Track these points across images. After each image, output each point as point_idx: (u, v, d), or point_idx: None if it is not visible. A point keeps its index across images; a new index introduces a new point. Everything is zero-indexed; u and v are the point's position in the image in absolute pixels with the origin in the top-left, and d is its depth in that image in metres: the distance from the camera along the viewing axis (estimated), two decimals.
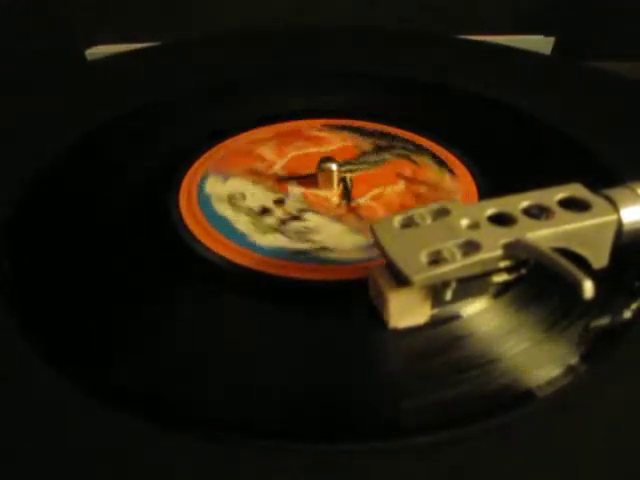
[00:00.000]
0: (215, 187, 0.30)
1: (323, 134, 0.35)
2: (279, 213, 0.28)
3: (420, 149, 0.34)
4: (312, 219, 0.28)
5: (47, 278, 0.25)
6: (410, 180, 0.31)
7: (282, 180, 0.30)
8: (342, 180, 0.30)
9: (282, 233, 0.27)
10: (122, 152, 0.34)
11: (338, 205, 0.29)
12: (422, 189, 0.30)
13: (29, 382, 0.21)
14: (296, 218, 0.28)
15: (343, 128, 0.35)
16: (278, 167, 0.31)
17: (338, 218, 0.28)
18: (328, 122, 0.36)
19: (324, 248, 0.26)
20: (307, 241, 0.26)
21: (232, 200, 0.29)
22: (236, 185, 0.30)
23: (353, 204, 0.29)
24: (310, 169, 0.30)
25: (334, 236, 0.27)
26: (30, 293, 0.25)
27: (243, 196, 0.29)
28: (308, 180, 0.30)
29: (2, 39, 0.59)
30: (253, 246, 0.26)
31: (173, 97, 0.40)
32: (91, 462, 0.18)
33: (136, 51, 0.49)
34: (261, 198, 0.29)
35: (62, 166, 0.33)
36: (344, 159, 0.31)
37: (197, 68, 0.45)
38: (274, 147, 0.33)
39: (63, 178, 0.32)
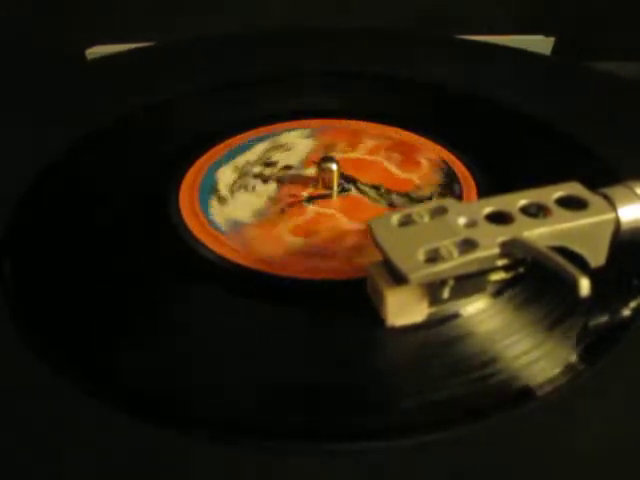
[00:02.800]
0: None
1: (424, 161, 0.33)
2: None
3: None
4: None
5: (47, 278, 0.25)
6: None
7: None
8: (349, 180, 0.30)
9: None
10: (122, 152, 0.35)
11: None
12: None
13: (29, 382, 0.21)
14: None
15: (446, 170, 0.33)
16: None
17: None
18: (444, 155, 0.34)
19: None
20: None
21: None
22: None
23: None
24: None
25: None
26: (30, 293, 0.25)
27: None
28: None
29: (2, 39, 0.59)
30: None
31: (173, 97, 0.40)
32: (91, 462, 0.18)
33: (136, 51, 0.49)
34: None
35: (62, 166, 0.33)
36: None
37: (197, 68, 0.45)
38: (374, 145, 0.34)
39: (63, 178, 0.32)
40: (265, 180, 0.31)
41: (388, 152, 0.33)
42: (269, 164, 0.32)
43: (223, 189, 0.30)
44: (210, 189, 0.30)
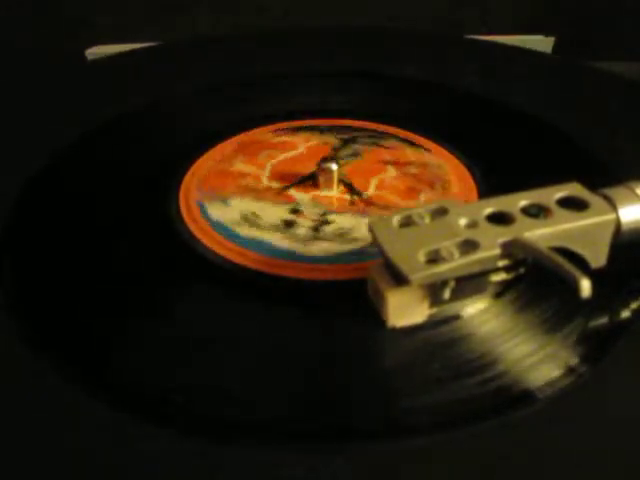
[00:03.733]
0: (222, 212, 0.28)
1: (284, 139, 0.34)
2: (304, 222, 0.27)
3: (384, 135, 0.34)
4: (339, 220, 0.27)
5: (46, 278, 0.25)
6: (396, 163, 0.31)
7: (282, 190, 0.30)
8: (341, 180, 0.30)
9: (324, 239, 0.26)
10: (122, 152, 0.35)
11: (352, 202, 0.29)
12: (413, 169, 0.30)
13: (29, 382, 0.21)
14: (324, 222, 0.27)
15: (299, 129, 0.35)
16: (265, 178, 0.31)
17: (363, 213, 0.28)
18: (279, 126, 0.36)
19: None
20: (353, 240, 0.26)
21: (249, 221, 0.27)
22: (241, 206, 0.29)
23: (365, 197, 0.29)
24: (298, 172, 0.30)
25: None
26: (29, 293, 0.25)
27: (256, 215, 0.28)
28: (306, 183, 0.30)
29: (2, 39, 0.59)
30: (304, 258, 0.25)
31: (173, 97, 0.40)
32: (91, 462, 0.18)
33: (136, 51, 0.49)
34: (275, 212, 0.28)
35: (62, 166, 0.33)
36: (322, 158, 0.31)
37: (197, 68, 0.45)
38: (247, 161, 0.32)
39: (63, 178, 0.32)
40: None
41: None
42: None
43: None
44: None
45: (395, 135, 0.34)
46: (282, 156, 0.32)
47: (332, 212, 0.28)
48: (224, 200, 0.29)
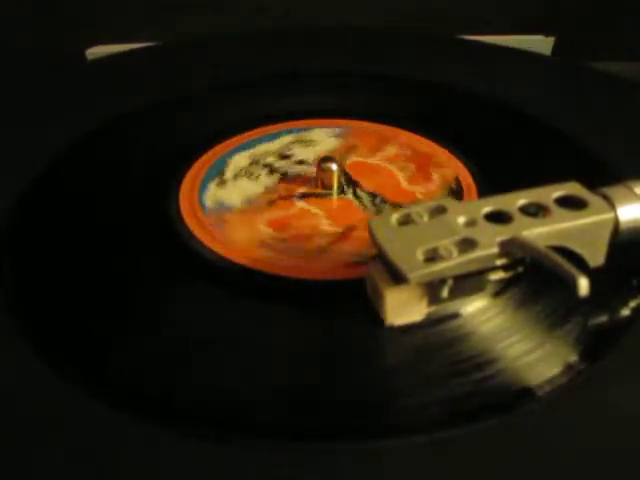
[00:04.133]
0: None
1: (436, 176, 0.32)
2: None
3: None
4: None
5: (46, 278, 0.25)
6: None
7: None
8: (346, 183, 0.30)
9: None
10: (122, 152, 0.35)
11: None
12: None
13: (28, 382, 0.21)
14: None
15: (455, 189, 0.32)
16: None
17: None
18: (461, 173, 0.33)
19: None
20: None
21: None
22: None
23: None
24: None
25: None
26: (30, 293, 0.25)
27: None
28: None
29: (2, 39, 0.59)
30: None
31: (173, 97, 0.40)
32: (91, 462, 0.18)
33: (136, 51, 0.49)
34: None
35: (62, 166, 0.33)
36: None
37: (197, 68, 0.45)
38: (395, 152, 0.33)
39: (63, 178, 0.32)
40: (272, 171, 0.31)
41: (405, 162, 0.32)
42: (285, 157, 0.32)
43: (228, 173, 0.30)
44: (217, 172, 0.31)
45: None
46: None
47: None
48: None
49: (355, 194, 0.30)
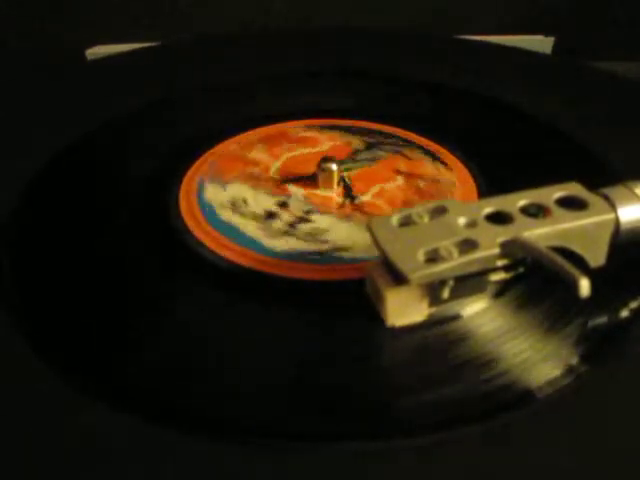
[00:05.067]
0: (216, 195, 0.29)
1: (310, 134, 0.35)
2: (285, 216, 0.28)
3: (411, 144, 0.34)
4: (319, 220, 0.28)
5: (47, 278, 0.25)
6: (407, 175, 0.31)
7: (281, 183, 0.30)
8: (342, 179, 0.30)
9: (293, 236, 0.26)
10: (122, 152, 0.35)
11: (342, 204, 0.29)
12: (421, 183, 0.30)
13: (28, 382, 0.21)
14: (303, 220, 0.28)
15: (330, 128, 0.35)
16: (274, 169, 0.31)
17: (346, 217, 0.28)
18: (312, 122, 0.36)
19: (339, 248, 0.26)
20: (320, 242, 0.26)
21: (235, 206, 0.28)
22: (236, 191, 0.30)
23: (357, 202, 0.29)
24: (307, 170, 0.30)
25: (345, 235, 0.27)
26: (29, 293, 0.25)
27: (245, 202, 0.29)
28: (307, 181, 0.30)
29: (2, 39, 0.59)
30: (264, 250, 0.26)
31: (173, 97, 0.40)
32: (91, 462, 0.18)
33: (136, 51, 0.49)
34: (263, 202, 0.29)
35: (62, 166, 0.33)
36: (339, 158, 0.31)
37: (197, 68, 0.45)
38: (265, 150, 0.33)
39: (63, 178, 0.32)
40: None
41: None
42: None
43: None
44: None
45: (421, 146, 0.34)
46: (300, 151, 0.33)
47: (317, 212, 0.28)
48: (223, 184, 0.30)
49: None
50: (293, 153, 0.33)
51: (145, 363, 0.21)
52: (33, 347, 0.22)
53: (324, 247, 0.26)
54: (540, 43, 0.60)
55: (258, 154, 0.33)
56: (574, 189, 0.23)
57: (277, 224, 0.27)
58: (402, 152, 0.33)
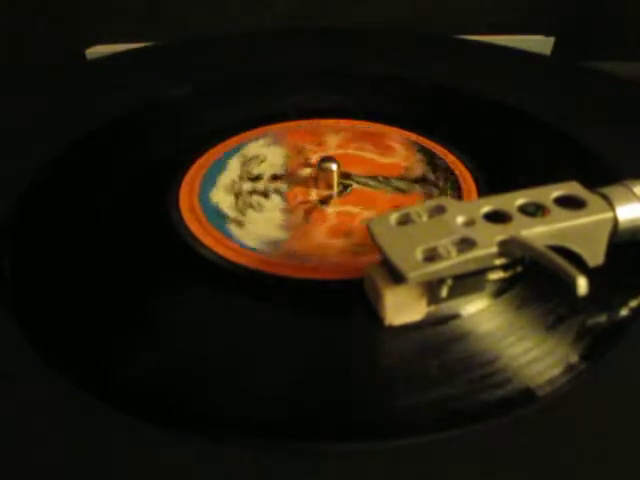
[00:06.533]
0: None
1: (396, 145, 0.34)
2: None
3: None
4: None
5: (47, 278, 0.25)
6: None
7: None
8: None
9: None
10: (122, 152, 0.35)
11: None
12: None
13: (29, 382, 0.21)
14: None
15: (420, 148, 0.33)
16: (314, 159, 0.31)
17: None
18: (412, 136, 0.35)
19: None
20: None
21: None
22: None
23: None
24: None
25: None
26: (29, 292, 0.25)
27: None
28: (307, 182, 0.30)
29: (2, 39, 0.59)
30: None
31: (173, 97, 0.40)
32: (91, 462, 0.18)
33: (136, 51, 0.49)
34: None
35: (62, 166, 0.33)
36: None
37: (197, 68, 0.45)
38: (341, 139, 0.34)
39: (63, 178, 0.32)
40: (265, 195, 0.30)
41: (358, 143, 0.33)
42: (255, 179, 0.31)
43: (232, 213, 0.28)
44: (219, 215, 0.28)
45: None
46: (367, 155, 0.33)
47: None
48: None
49: (359, 183, 0.30)
50: (357, 152, 0.33)
51: (145, 363, 0.22)
52: (33, 347, 0.22)
53: None
54: (540, 43, 0.60)
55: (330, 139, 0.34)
56: (573, 188, 0.23)
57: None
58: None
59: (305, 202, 0.29)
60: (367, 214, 0.28)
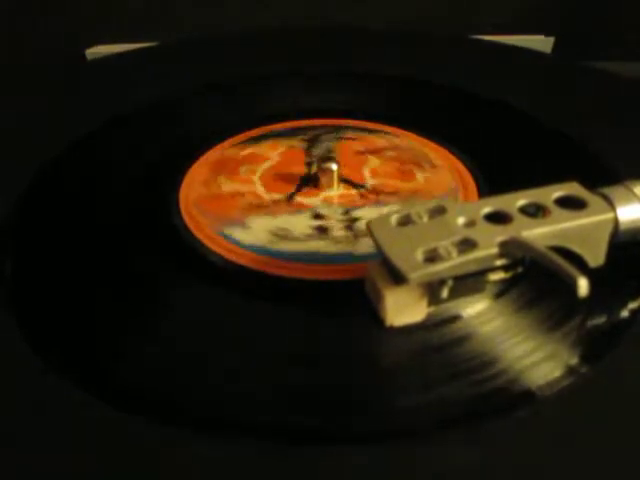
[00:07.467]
0: (248, 235, 0.26)
1: (249, 151, 0.33)
2: (335, 224, 0.27)
3: (341, 128, 0.34)
4: (363, 214, 0.27)
5: (47, 278, 0.25)
6: (373, 152, 0.31)
7: (288, 199, 0.29)
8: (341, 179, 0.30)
9: (364, 235, 0.25)
10: (122, 152, 0.35)
11: (361, 195, 0.29)
12: (390, 153, 0.31)
13: (28, 382, 0.21)
14: (353, 220, 0.27)
15: (258, 139, 0.34)
16: (263, 193, 0.29)
17: (379, 202, 0.28)
18: (234, 140, 0.34)
19: None
20: None
21: (281, 236, 0.26)
22: (262, 225, 0.27)
23: (369, 188, 0.29)
24: (290, 179, 0.30)
25: None
26: (29, 292, 0.25)
27: (283, 229, 0.27)
28: (306, 188, 0.30)
29: (2, 39, 0.59)
30: (360, 258, 0.25)
31: (173, 97, 0.40)
32: (91, 462, 0.18)
33: (136, 51, 0.49)
34: (299, 222, 0.27)
35: (62, 166, 0.33)
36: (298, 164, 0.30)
37: (197, 68, 0.45)
38: (231, 179, 0.30)
39: (63, 178, 0.32)
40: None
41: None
42: None
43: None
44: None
45: (350, 126, 0.34)
46: (262, 167, 0.31)
47: (352, 208, 0.28)
48: (241, 224, 0.27)
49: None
50: (259, 172, 0.31)
51: (145, 363, 0.22)
52: (33, 347, 0.22)
53: None
54: (540, 43, 0.60)
55: (229, 185, 0.30)
56: (573, 189, 0.23)
57: (338, 233, 0.26)
58: (343, 137, 0.33)
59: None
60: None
